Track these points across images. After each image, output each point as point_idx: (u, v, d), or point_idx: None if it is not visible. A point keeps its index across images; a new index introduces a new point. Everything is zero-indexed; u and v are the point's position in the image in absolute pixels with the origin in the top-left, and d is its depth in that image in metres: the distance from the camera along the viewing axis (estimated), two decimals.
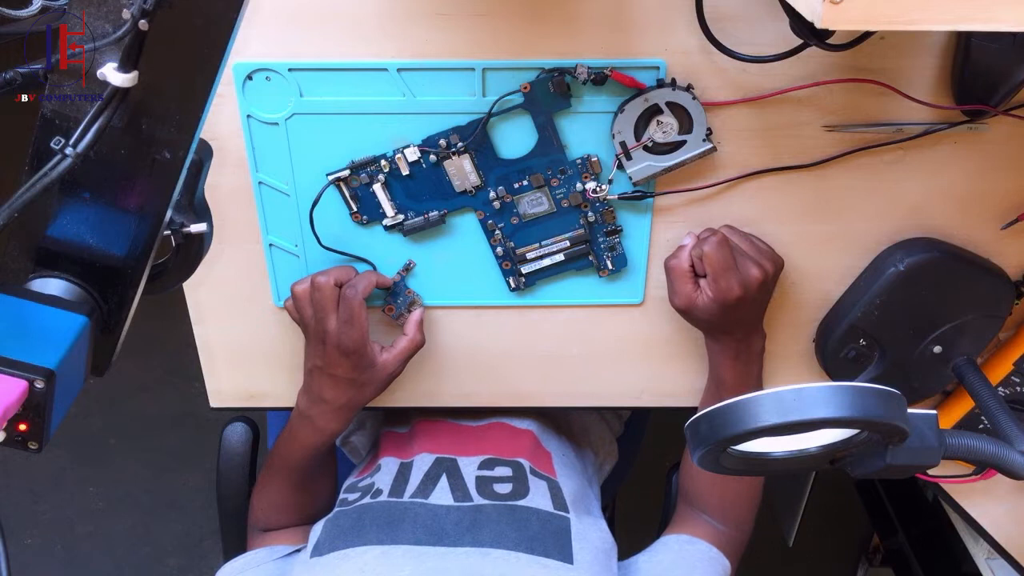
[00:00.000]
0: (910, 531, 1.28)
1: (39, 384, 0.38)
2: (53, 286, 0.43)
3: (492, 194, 0.67)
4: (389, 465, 0.77)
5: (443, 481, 0.73)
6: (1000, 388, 0.72)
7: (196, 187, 0.48)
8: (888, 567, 1.44)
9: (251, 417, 0.89)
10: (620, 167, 0.66)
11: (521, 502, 0.71)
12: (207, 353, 0.77)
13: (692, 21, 0.60)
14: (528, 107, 0.64)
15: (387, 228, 0.69)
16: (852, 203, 0.68)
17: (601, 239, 0.70)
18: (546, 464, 0.78)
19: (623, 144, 0.64)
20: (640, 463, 1.06)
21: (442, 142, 0.65)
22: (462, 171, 0.66)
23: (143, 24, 0.37)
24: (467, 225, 0.69)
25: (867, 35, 0.57)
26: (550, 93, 0.63)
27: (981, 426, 0.74)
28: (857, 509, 1.48)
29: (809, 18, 0.42)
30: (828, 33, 0.53)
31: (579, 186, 0.67)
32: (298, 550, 0.72)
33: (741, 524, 0.78)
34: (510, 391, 0.78)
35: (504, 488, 0.72)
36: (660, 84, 0.62)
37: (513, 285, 0.72)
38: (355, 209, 0.68)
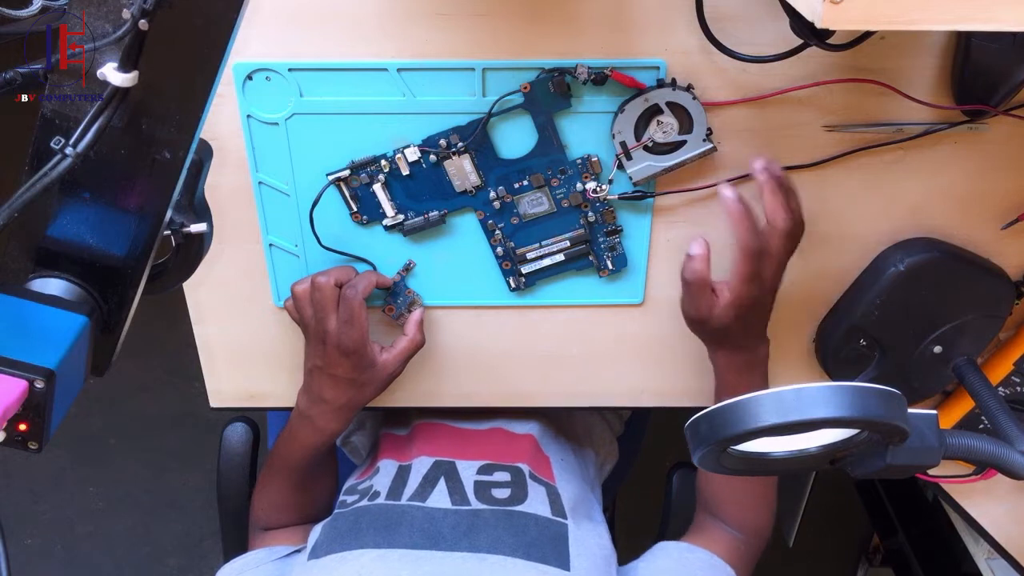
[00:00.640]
0: (910, 531, 1.28)
1: (39, 384, 0.38)
2: (53, 286, 0.43)
3: (492, 194, 0.67)
4: (388, 467, 0.77)
5: (441, 484, 0.73)
6: (1000, 388, 0.72)
7: (196, 187, 0.48)
8: (888, 567, 1.44)
9: (251, 417, 0.89)
10: (620, 167, 0.66)
11: (519, 507, 0.71)
12: (207, 353, 0.77)
13: (692, 21, 0.60)
14: (528, 107, 0.64)
15: (387, 228, 0.69)
16: (852, 203, 0.68)
17: (601, 239, 0.70)
18: (545, 469, 0.78)
19: (623, 144, 0.64)
20: (640, 463, 1.06)
21: (442, 142, 0.65)
22: (462, 171, 0.66)
23: (143, 24, 0.37)
24: (467, 225, 0.69)
25: (867, 35, 0.57)
26: (550, 93, 0.63)
27: (981, 426, 0.74)
28: (857, 509, 1.48)
29: (809, 18, 0.42)
30: (828, 33, 0.53)
31: (579, 186, 0.67)
32: (298, 550, 0.72)
33: (759, 530, 0.77)
34: (510, 391, 0.78)
35: (502, 493, 0.72)
36: (660, 84, 0.62)
37: (513, 285, 0.72)
38: (355, 209, 0.68)
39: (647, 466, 1.09)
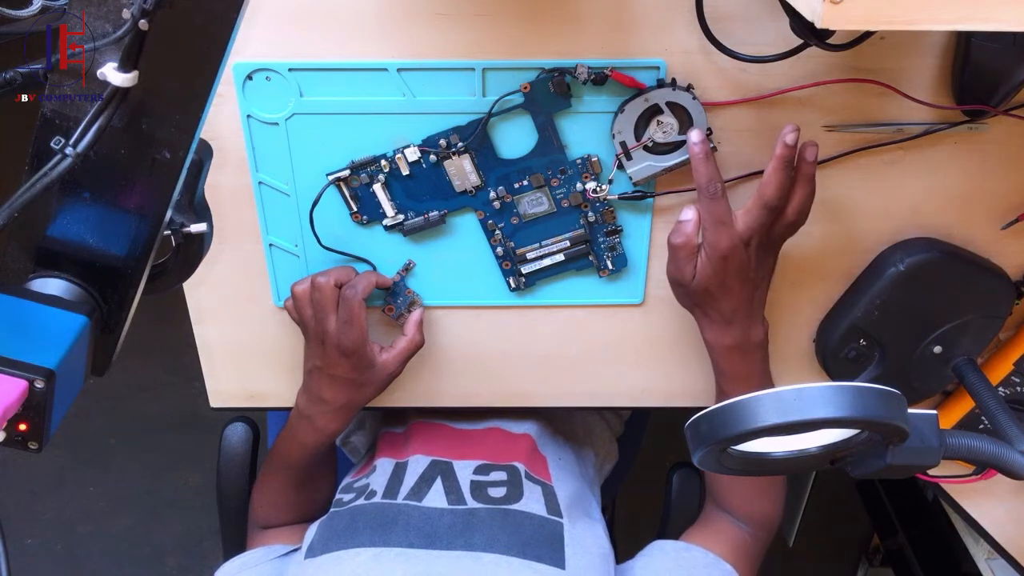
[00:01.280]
0: (910, 531, 1.28)
1: (39, 384, 0.38)
2: (53, 286, 0.43)
3: (492, 194, 0.67)
4: (384, 466, 0.77)
5: (438, 484, 0.73)
6: (1000, 388, 0.72)
7: (196, 187, 0.48)
8: (888, 567, 1.44)
9: (251, 417, 0.89)
10: (620, 167, 0.66)
11: (514, 506, 0.71)
12: (207, 353, 0.77)
13: (692, 21, 0.60)
14: (528, 107, 0.64)
15: (387, 228, 0.69)
16: (852, 203, 0.68)
17: (601, 239, 0.70)
18: (542, 469, 0.78)
19: (623, 144, 0.64)
20: (640, 463, 1.06)
21: (442, 142, 0.65)
22: (462, 171, 0.66)
23: (143, 24, 0.37)
24: (467, 225, 0.69)
25: (867, 35, 0.57)
26: (550, 93, 0.63)
27: (981, 426, 0.74)
28: (857, 509, 1.48)
29: (809, 18, 0.42)
30: (828, 33, 0.53)
31: (579, 186, 0.67)
32: (296, 549, 0.72)
33: (766, 524, 0.77)
34: (510, 391, 0.78)
35: (498, 492, 0.72)
36: (660, 84, 0.62)
37: (513, 285, 0.72)
38: (355, 209, 0.68)
39: (647, 466, 1.09)
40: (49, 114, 0.39)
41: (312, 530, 0.70)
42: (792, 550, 1.47)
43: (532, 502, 0.72)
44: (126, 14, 0.37)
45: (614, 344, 0.75)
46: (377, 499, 0.72)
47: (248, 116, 0.64)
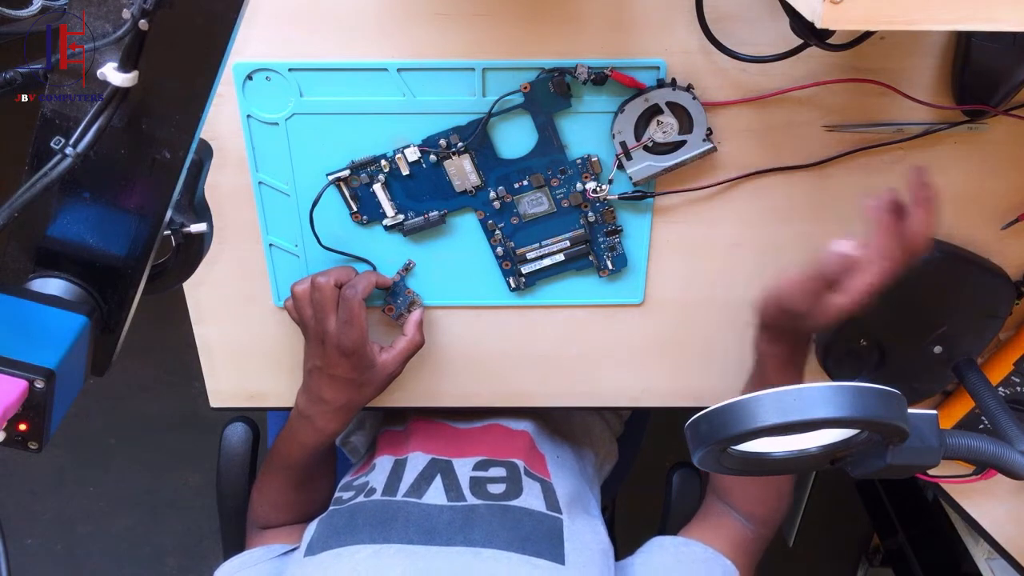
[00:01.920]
0: (910, 531, 1.28)
1: (39, 384, 0.38)
2: (53, 286, 0.43)
3: (492, 194, 0.67)
4: (384, 463, 0.77)
5: (437, 481, 0.73)
6: (1000, 388, 0.72)
7: (196, 187, 0.48)
8: (888, 567, 1.44)
9: (251, 417, 0.89)
10: (620, 167, 0.66)
11: (514, 502, 0.71)
12: (207, 353, 0.77)
13: (692, 21, 0.60)
14: (528, 107, 0.64)
15: (387, 228, 0.69)
16: (852, 203, 0.68)
17: (601, 239, 0.70)
18: (540, 466, 0.78)
19: (623, 144, 0.64)
20: (640, 463, 1.06)
21: (442, 142, 0.65)
22: (462, 171, 0.66)
23: (143, 24, 0.37)
24: (467, 225, 0.69)
25: (867, 35, 0.57)
26: (550, 93, 0.63)
27: (981, 426, 0.74)
28: (857, 509, 1.48)
29: (809, 18, 0.42)
30: (828, 33, 0.53)
31: (579, 186, 0.67)
32: (295, 549, 0.72)
33: (768, 522, 0.76)
34: (510, 391, 0.78)
35: (498, 488, 0.72)
36: (660, 84, 0.62)
37: (513, 285, 0.72)
38: (355, 209, 0.68)
39: (647, 466, 1.09)
40: (49, 114, 0.39)
41: (311, 528, 0.70)
42: (792, 550, 1.47)
43: (531, 498, 0.72)
44: (126, 14, 0.37)
45: (614, 344, 0.75)
46: (377, 496, 0.72)
47: (248, 116, 0.64)
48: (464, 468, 0.75)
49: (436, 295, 0.73)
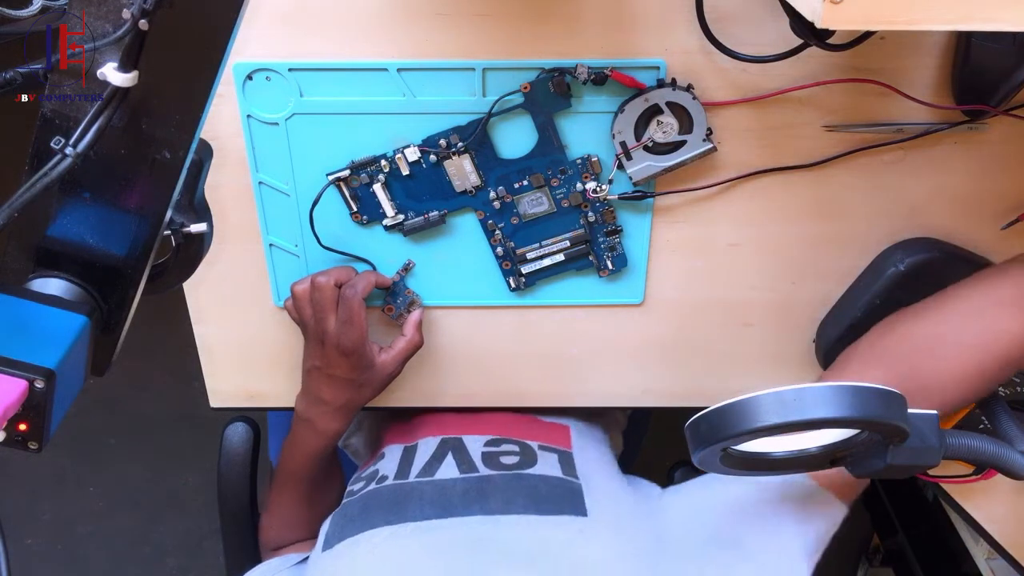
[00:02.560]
0: (910, 531, 1.27)
1: (39, 384, 0.38)
2: (53, 286, 0.43)
3: (492, 194, 0.67)
4: (393, 452, 0.76)
5: (449, 458, 0.71)
6: (1000, 388, 0.72)
7: (196, 187, 0.48)
8: (888, 567, 1.44)
9: (251, 417, 0.89)
10: (620, 167, 0.66)
11: (528, 471, 0.69)
12: (207, 353, 0.77)
13: (692, 21, 0.60)
14: (528, 107, 0.64)
15: (387, 228, 0.69)
16: (852, 203, 0.68)
17: (601, 239, 0.70)
18: (562, 438, 0.75)
19: (623, 144, 0.64)
20: (640, 463, 1.06)
21: (442, 142, 0.65)
22: (462, 171, 0.66)
23: (143, 24, 0.37)
24: (467, 225, 0.69)
25: (867, 35, 0.57)
26: (550, 93, 0.63)
27: (981, 426, 0.74)
28: (857, 509, 1.47)
29: (809, 18, 0.42)
30: (828, 33, 0.53)
31: (579, 186, 0.67)
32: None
33: None
34: (510, 391, 0.78)
35: (511, 460, 0.70)
36: (660, 84, 0.62)
37: (513, 285, 0.72)
38: (355, 209, 0.68)
39: (647, 466, 1.09)
40: (49, 114, 0.39)
41: (325, 525, 0.69)
42: None
43: (546, 467, 0.69)
44: (126, 14, 0.37)
45: (614, 344, 0.75)
46: (389, 482, 0.70)
47: (248, 116, 0.64)
48: (475, 444, 0.73)
49: (436, 295, 0.73)
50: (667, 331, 0.75)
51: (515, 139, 0.65)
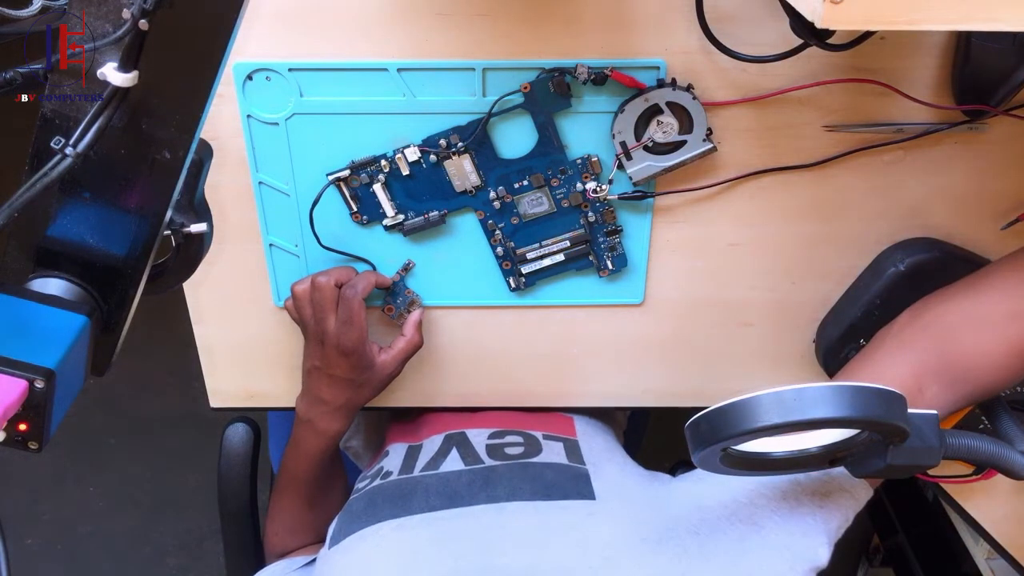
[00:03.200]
0: (910, 531, 1.27)
1: (39, 384, 0.38)
2: (53, 286, 0.43)
3: (492, 194, 0.67)
4: (397, 449, 0.75)
5: (453, 452, 0.71)
6: None
7: (196, 187, 0.48)
8: (888, 567, 1.44)
9: (251, 417, 0.89)
10: (620, 167, 0.66)
11: (534, 459, 0.68)
12: (207, 353, 0.77)
13: (692, 21, 0.60)
14: (528, 107, 0.64)
15: (387, 228, 0.69)
16: (852, 203, 0.68)
17: (601, 239, 0.70)
18: (567, 427, 0.75)
19: (623, 144, 0.64)
20: (640, 463, 1.06)
21: (442, 142, 0.65)
22: (462, 171, 0.66)
23: (143, 24, 0.37)
24: (467, 225, 0.69)
25: (867, 35, 0.57)
26: (550, 93, 0.63)
27: (981, 426, 0.74)
28: None
29: (809, 18, 0.42)
30: (828, 33, 0.53)
31: (579, 186, 0.67)
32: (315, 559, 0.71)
33: None
34: (510, 391, 0.78)
35: (515, 450, 0.70)
36: (660, 84, 0.62)
37: (513, 285, 0.72)
38: (355, 209, 0.68)
39: (647, 466, 1.09)
40: (49, 114, 0.39)
41: (333, 524, 0.68)
42: None
43: (552, 455, 0.69)
44: (126, 14, 0.37)
45: (614, 344, 0.75)
46: (393, 477, 0.70)
47: (248, 116, 0.64)
48: (479, 437, 0.73)
49: (436, 295, 0.73)
50: (667, 331, 0.75)
51: (515, 139, 0.65)
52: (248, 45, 0.62)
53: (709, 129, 0.63)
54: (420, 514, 0.63)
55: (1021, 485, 0.79)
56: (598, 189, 0.66)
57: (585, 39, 0.61)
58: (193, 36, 0.39)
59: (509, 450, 0.70)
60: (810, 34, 0.53)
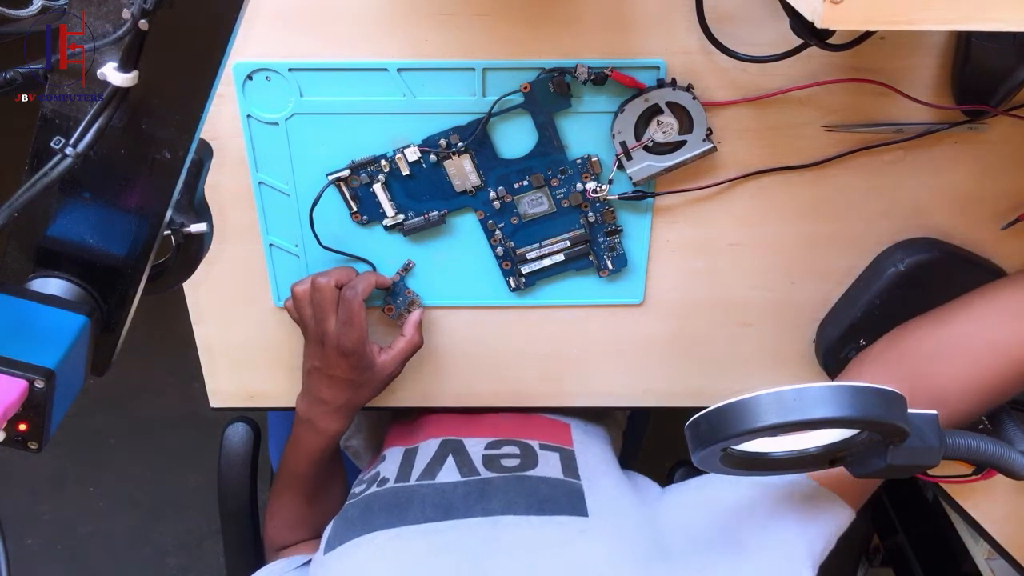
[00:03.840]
0: (910, 531, 1.27)
1: (39, 384, 0.38)
2: (53, 286, 0.43)
3: (492, 194, 0.67)
4: (394, 454, 0.76)
5: (450, 461, 0.72)
6: None
7: (196, 187, 0.48)
8: (888, 567, 1.44)
9: (251, 417, 0.89)
10: (620, 167, 0.66)
11: (529, 472, 0.69)
12: (207, 353, 0.77)
13: (692, 21, 0.60)
14: (528, 107, 0.64)
15: (387, 228, 0.69)
16: (852, 203, 0.68)
17: (601, 239, 0.70)
18: (564, 436, 0.76)
19: (623, 144, 0.64)
20: (640, 463, 1.06)
21: (442, 142, 0.65)
22: (462, 171, 0.66)
23: (143, 24, 0.37)
24: (467, 225, 0.69)
25: (867, 35, 0.57)
26: (550, 93, 0.63)
27: (981, 426, 0.74)
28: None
29: (809, 18, 0.42)
30: (828, 33, 0.53)
31: (579, 186, 0.67)
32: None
33: None
34: (510, 391, 0.78)
35: (511, 462, 0.71)
36: (660, 84, 0.62)
37: (513, 285, 0.72)
38: (355, 209, 0.68)
39: (647, 466, 1.09)
40: (49, 114, 0.39)
41: (328, 528, 0.69)
42: None
43: (548, 468, 0.70)
44: (126, 14, 0.37)
45: (614, 344, 0.75)
46: (390, 484, 0.70)
47: (248, 116, 0.64)
48: (476, 447, 0.74)
49: (436, 295, 0.73)
50: (667, 331, 0.75)
51: (515, 139, 0.65)
52: (248, 45, 0.62)
53: (709, 129, 0.63)
54: (415, 525, 0.64)
55: (1021, 485, 0.79)
56: (598, 189, 0.66)
57: (585, 39, 0.61)
58: (193, 36, 0.39)
59: (505, 462, 0.71)
60: (810, 34, 0.53)
